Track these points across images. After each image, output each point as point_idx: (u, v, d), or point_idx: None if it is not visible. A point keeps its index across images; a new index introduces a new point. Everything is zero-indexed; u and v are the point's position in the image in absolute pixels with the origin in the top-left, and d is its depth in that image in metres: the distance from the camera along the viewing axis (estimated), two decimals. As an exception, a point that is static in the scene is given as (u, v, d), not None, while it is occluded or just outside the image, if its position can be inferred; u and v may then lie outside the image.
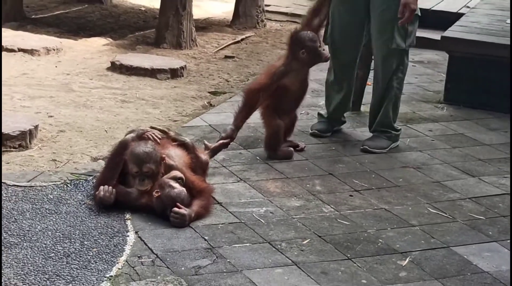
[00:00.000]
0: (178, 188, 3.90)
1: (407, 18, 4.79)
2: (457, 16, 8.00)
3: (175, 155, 4.12)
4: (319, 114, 5.43)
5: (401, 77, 5.09)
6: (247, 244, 3.70)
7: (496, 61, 6.15)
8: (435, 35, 7.71)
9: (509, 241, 3.92)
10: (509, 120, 5.94)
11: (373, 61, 5.28)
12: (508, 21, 7.14)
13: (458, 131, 5.63)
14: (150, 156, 3.97)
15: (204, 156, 4.35)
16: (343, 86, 5.26)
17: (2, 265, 3.33)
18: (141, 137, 4.10)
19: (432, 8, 8.99)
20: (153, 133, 4.16)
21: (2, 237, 3.56)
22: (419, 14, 4.94)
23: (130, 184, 4.01)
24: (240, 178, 4.48)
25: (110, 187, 3.95)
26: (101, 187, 3.95)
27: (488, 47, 6.21)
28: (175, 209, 3.82)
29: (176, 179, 3.94)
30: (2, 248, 3.45)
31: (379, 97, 5.13)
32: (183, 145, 4.25)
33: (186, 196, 3.91)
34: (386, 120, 5.13)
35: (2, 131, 4.61)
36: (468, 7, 8.98)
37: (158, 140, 4.13)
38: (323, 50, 4.86)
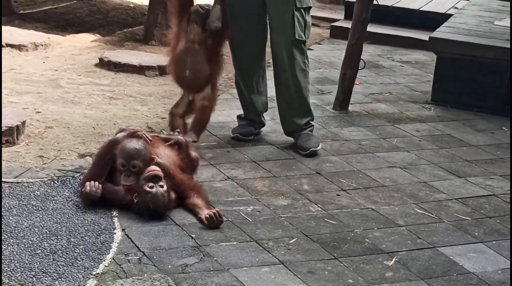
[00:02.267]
0: (152, 191, 3.87)
1: None
2: (445, 17, 8.04)
3: (164, 154, 4.11)
4: (238, 116, 5.26)
5: (307, 71, 4.97)
6: (234, 243, 3.71)
7: (483, 63, 6.18)
8: (423, 36, 7.75)
9: (495, 242, 3.94)
10: (496, 121, 5.97)
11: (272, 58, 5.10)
12: (496, 22, 7.17)
13: (445, 132, 5.65)
14: (139, 153, 3.97)
15: (194, 153, 4.36)
16: (252, 88, 5.10)
17: (-12, 261, 3.32)
18: (132, 135, 4.10)
19: (420, 9, 9.03)
20: (144, 133, 4.17)
21: (-11, 234, 3.55)
22: (311, 5, 4.91)
23: (118, 182, 4.00)
24: (227, 177, 4.48)
25: (96, 183, 3.95)
26: (87, 183, 3.95)
27: (475, 48, 6.24)
28: None
29: (150, 179, 3.92)
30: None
31: (292, 95, 4.96)
32: (175, 143, 4.25)
33: (162, 196, 3.88)
34: (310, 118, 5.03)
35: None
36: (456, 8, 9.02)
37: (149, 139, 4.13)
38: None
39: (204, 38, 4.78)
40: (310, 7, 4.92)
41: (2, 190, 4.02)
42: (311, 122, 5.07)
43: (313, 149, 4.91)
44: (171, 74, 4.98)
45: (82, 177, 4.15)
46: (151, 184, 3.88)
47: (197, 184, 4.14)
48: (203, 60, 4.80)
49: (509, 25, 6.87)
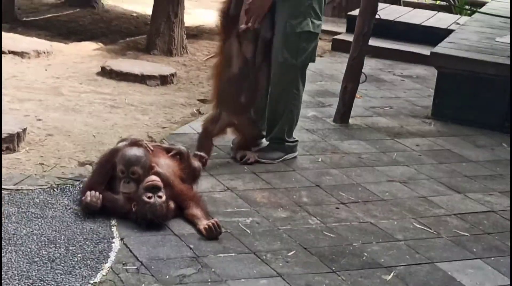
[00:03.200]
0: (150, 202, 3.87)
1: (248, 23, 4.68)
2: (446, 32, 8.05)
3: (165, 164, 4.12)
4: None
5: (295, 93, 4.93)
6: (232, 254, 3.70)
7: (484, 78, 6.19)
8: (425, 51, 7.77)
9: (493, 258, 3.94)
10: (496, 137, 5.98)
11: None
12: (498, 38, 7.19)
13: (445, 147, 5.66)
14: (139, 160, 3.97)
15: (197, 163, 4.37)
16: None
17: (-14, 268, 3.32)
18: (133, 144, 4.10)
19: (422, 24, 9.06)
20: (146, 142, 4.18)
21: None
22: (313, 31, 4.83)
23: (118, 190, 4.01)
24: (227, 187, 4.48)
25: (97, 193, 3.95)
26: (88, 192, 3.95)
27: (476, 64, 6.25)
28: None
29: (149, 189, 3.91)
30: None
31: (274, 112, 4.98)
32: (176, 153, 4.26)
33: (160, 207, 3.87)
34: (280, 134, 5.00)
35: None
36: (458, 23, 9.05)
37: (151, 148, 4.13)
38: None
39: (259, 58, 4.80)
40: (309, 32, 4.82)
41: (2, 197, 4.02)
42: (283, 142, 5.01)
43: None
44: (215, 96, 4.88)
45: (82, 185, 4.15)
46: (149, 194, 3.88)
47: (196, 194, 4.14)
48: (258, 84, 4.86)
49: (509, 42, 6.88)
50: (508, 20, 7.94)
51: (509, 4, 9.33)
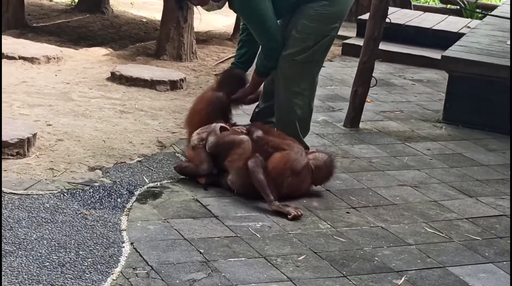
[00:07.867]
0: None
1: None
2: (457, 36, 8.04)
3: None
4: None
5: (296, 91, 4.80)
6: (243, 259, 3.69)
7: (495, 82, 6.17)
8: (435, 55, 7.75)
9: (505, 262, 3.91)
10: (507, 141, 5.95)
11: None
12: (509, 42, 7.16)
13: (456, 151, 5.63)
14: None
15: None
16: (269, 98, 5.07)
17: (-4, 273, 3.32)
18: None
19: (432, 28, 9.03)
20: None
21: (-3, 245, 3.55)
22: (330, 34, 4.77)
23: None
24: (236, 192, 4.47)
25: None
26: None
27: (488, 68, 6.23)
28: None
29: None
30: (-3, 256, 3.44)
31: (280, 114, 4.92)
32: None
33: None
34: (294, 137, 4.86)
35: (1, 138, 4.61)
36: (468, 27, 9.03)
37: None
38: None
39: None
40: (330, 36, 4.76)
41: (12, 201, 4.03)
42: None
43: None
44: None
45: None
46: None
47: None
48: None
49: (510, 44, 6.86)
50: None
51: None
